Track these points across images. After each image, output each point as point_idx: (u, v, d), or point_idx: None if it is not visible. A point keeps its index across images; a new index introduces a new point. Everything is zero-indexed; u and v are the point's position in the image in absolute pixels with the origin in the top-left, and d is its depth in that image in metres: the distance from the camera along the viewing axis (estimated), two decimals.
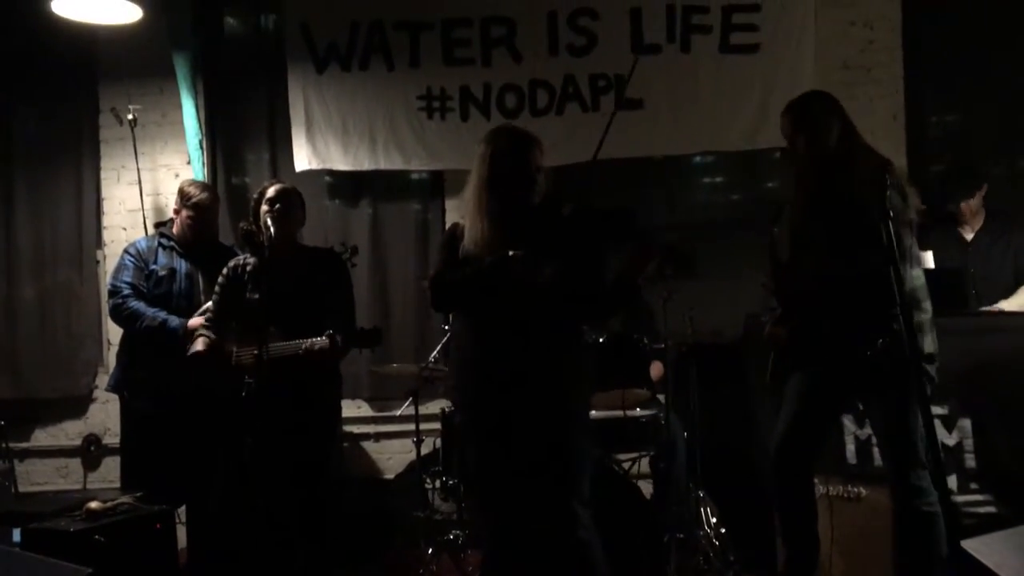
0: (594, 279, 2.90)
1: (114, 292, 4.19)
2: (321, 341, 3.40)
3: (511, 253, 2.80)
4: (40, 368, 5.44)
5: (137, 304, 4.12)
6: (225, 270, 3.78)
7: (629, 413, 3.98)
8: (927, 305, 3.13)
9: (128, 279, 4.18)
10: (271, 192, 3.69)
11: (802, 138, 3.24)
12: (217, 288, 3.79)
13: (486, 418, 2.95)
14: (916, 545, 3.09)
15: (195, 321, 4.00)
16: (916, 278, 3.14)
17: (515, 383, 2.87)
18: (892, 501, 3.21)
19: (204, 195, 4.26)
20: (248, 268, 3.72)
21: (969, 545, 2.37)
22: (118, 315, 4.19)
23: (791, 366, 3.31)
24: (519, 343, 2.88)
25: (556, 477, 2.85)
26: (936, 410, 3.62)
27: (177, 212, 4.25)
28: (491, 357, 2.92)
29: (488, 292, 2.87)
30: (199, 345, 3.68)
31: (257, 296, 3.59)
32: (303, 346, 3.44)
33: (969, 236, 4.50)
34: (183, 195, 4.23)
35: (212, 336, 3.69)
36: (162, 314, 4.09)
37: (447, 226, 5.26)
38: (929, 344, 3.10)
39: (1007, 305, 4.18)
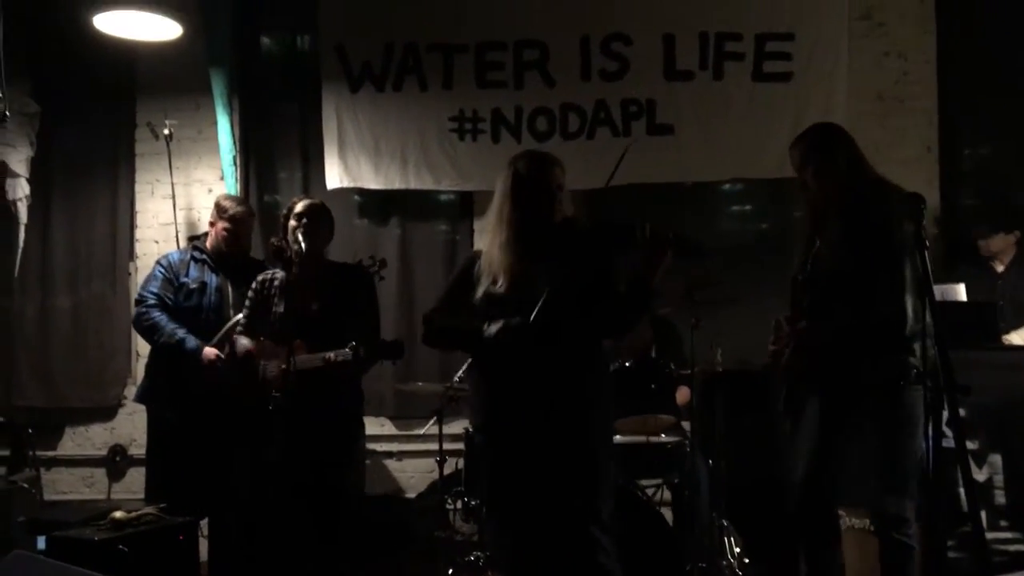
0: (609, 292, 2.90)
1: (140, 301, 4.25)
2: (344, 353, 3.42)
3: (508, 322, 2.81)
4: (71, 378, 5.51)
5: (159, 316, 4.15)
6: (254, 284, 3.82)
7: (654, 439, 3.96)
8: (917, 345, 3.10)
9: (155, 290, 4.22)
10: (300, 207, 3.73)
11: (809, 171, 3.24)
12: (247, 302, 3.83)
13: (506, 441, 2.94)
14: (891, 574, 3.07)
15: (211, 352, 4.03)
16: (919, 311, 3.10)
17: (535, 406, 2.86)
18: (875, 530, 3.19)
19: (241, 208, 4.31)
20: (276, 283, 3.75)
21: None
22: (139, 324, 4.24)
23: (806, 393, 3.28)
24: (539, 365, 2.87)
25: (577, 501, 2.84)
26: (967, 445, 3.57)
27: (212, 225, 4.29)
28: (510, 380, 2.92)
29: (476, 355, 2.93)
30: (246, 344, 3.71)
31: (283, 310, 3.62)
32: (326, 357, 3.46)
33: (1000, 269, 4.46)
34: (220, 208, 4.27)
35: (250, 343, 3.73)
36: (181, 332, 4.09)
37: (474, 247, 5.34)
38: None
39: (1015, 338, 4.13)
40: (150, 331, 4.18)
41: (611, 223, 2.97)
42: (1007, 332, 4.14)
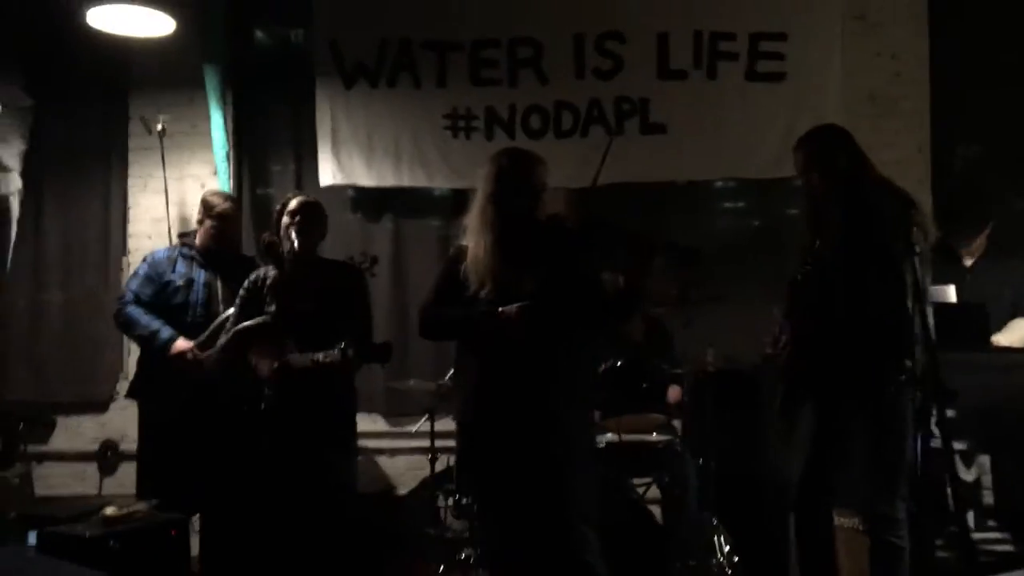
0: (595, 290, 2.90)
1: (119, 298, 4.28)
2: (333, 354, 3.43)
3: (501, 310, 2.81)
4: (63, 372, 5.50)
5: (133, 311, 4.16)
6: (246, 282, 3.81)
7: (645, 438, 3.98)
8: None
9: (134, 287, 4.24)
10: (293, 204, 3.72)
11: (816, 175, 3.24)
12: (238, 300, 3.82)
13: (490, 439, 2.95)
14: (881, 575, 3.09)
15: (183, 344, 4.04)
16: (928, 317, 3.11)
17: (519, 405, 2.87)
18: (866, 530, 3.21)
19: (227, 205, 4.30)
20: (268, 280, 3.74)
21: None
22: (117, 321, 4.28)
23: (804, 396, 3.30)
24: (523, 364, 2.88)
25: (562, 499, 2.85)
26: (955, 446, 3.59)
27: (200, 223, 4.29)
28: (495, 379, 2.93)
29: (475, 339, 2.91)
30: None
31: (275, 309, 3.62)
32: (315, 359, 3.47)
33: (969, 263, 4.47)
34: (206, 205, 4.27)
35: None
36: (156, 323, 4.12)
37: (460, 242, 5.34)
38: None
39: (1001, 339, 4.15)
40: (126, 327, 4.22)
41: (598, 224, 2.98)
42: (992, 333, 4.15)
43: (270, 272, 3.77)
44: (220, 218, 4.24)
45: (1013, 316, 4.30)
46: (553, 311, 2.83)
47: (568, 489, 2.85)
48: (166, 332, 4.09)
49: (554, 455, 2.87)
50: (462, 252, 3.03)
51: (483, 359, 2.99)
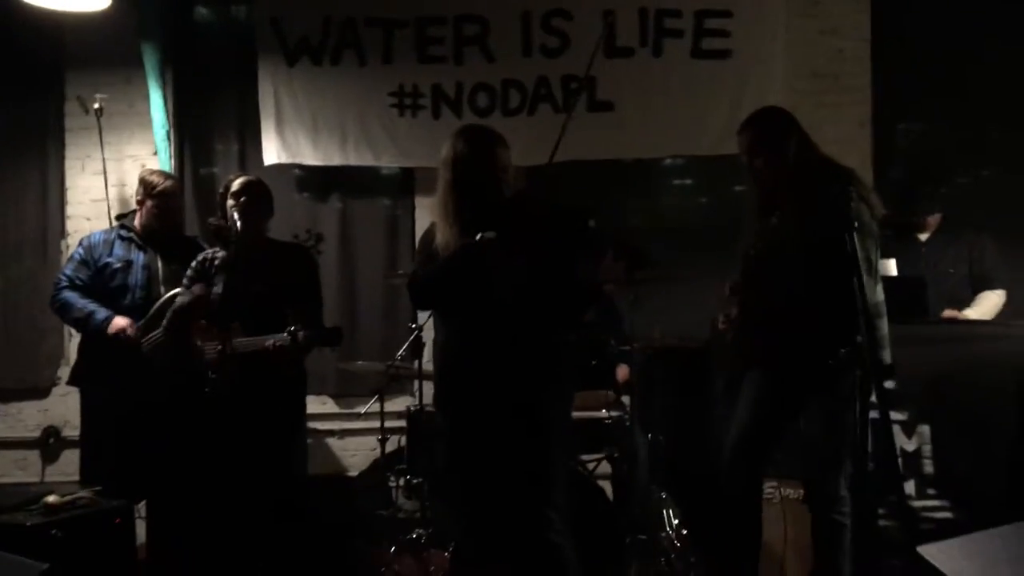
0: (563, 273, 2.88)
1: (55, 284, 4.21)
2: (282, 338, 3.39)
3: (480, 236, 2.78)
4: (2, 358, 5.37)
5: (68, 295, 4.11)
6: (194, 263, 3.76)
7: (594, 414, 4.00)
8: (884, 321, 3.16)
9: (68, 271, 4.18)
10: (236, 185, 3.67)
11: (760, 159, 3.27)
12: (185, 281, 3.76)
13: (463, 419, 2.94)
14: (824, 552, 3.16)
15: (122, 321, 3.97)
16: (878, 292, 3.17)
17: (492, 386, 2.87)
18: (808, 507, 3.27)
19: (169, 183, 4.24)
20: (217, 262, 3.69)
21: (926, 551, 2.40)
22: (52, 307, 4.22)
23: (747, 365, 3.33)
24: (496, 346, 2.87)
25: (529, 480, 2.85)
26: (895, 416, 3.68)
27: (141, 203, 4.21)
28: (469, 360, 2.92)
29: (462, 280, 2.86)
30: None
31: (222, 291, 3.56)
32: (264, 345, 3.42)
33: (924, 237, 4.56)
34: (147, 185, 4.19)
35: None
36: (92, 306, 4.06)
37: (416, 223, 5.31)
38: (887, 357, 3.15)
39: (971, 314, 4.25)
40: (62, 311, 4.17)
41: (563, 208, 2.96)
42: (938, 308, 4.23)
43: (219, 253, 3.71)
44: (162, 196, 4.16)
45: (973, 291, 4.39)
46: (521, 290, 2.81)
47: (535, 469, 2.85)
48: (101, 313, 4.04)
49: (522, 435, 2.86)
50: (434, 227, 2.99)
51: (451, 338, 2.97)
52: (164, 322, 3.71)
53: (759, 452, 3.29)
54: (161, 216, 4.17)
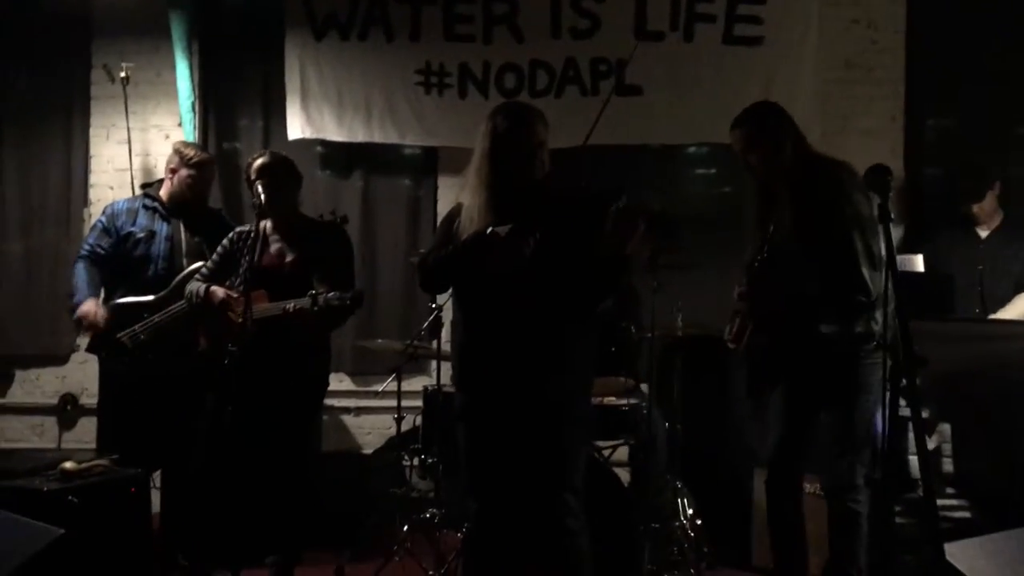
0: (585, 255, 2.86)
1: (78, 253, 4.22)
2: (303, 301, 3.40)
3: (491, 230, 2.77)
4: (23, 325, 5.41)
5: (78, 268, 4.13)
6: (231, 234, 3.79)
7: (611, 401, 3.98)
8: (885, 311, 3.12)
9: (91, 240, 4.19)
10: (257, 164, 3.70)
11: (755, 156, 3.24)
12: (219, 250, 3.79)
13: (482, 401, 2.93)
14: (838, 540, 3.14)
15: (88, 307, 4.01)
16: (881, 283, 3.12)
17: (511, 369, 2.85)
18: (825, 495, 3.26)
19: (205, 155, 4.27)
20: (251, 239, 3.70)
21: (948, 549, 2.37)
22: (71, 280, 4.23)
23: (772, 377, 3.32)
24: (514, 328, 2.85)
25: (548, 464, 2.83)
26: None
27: (174, 171, 4.18)
28: (487, 341, 2.90)
29: (470, 270, 2.85)
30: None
31: (253, 262, 3.56)
32: (285, 307, 3.43)
33: (984, 234, 4.50)
34: (182, 156, 4.17)
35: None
36: (84, 286, 4.08)
37: (438, 203, 5.29)
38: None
39: (1004, 314, 4.19)
40: (74, 291, 4.17)
41: (594, 189, 2.93)
42: (994, 304, 4.18)
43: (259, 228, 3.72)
44: (199, 167, 4.16)
45: (1016, 291, 4.33)
46: (544, 274, 2.79)
47: (554, 453, 2.83)
48: (80, 295, 4.06)
49: (541, 418, 2.84)
50: (459, 209, 2.98)
51: (471, 319, 2.95)
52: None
53: (799, 462, 3.29)
54: (195, 186, 4.16)
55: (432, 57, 5.13)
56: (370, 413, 5.30)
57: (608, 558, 3.58)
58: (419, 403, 4.39)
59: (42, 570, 2.51)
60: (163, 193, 4.21)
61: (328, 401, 5.13)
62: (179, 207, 4.17)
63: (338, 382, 5.29)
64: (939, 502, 3.66)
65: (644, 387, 4.29)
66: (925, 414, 3.72)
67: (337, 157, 5.35)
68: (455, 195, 3.14)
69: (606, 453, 4.21)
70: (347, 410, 5.33)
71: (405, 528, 4.06)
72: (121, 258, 4.11)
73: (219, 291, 3.68)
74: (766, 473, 3.35)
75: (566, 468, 2.85)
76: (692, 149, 5.29)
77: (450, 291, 3.24)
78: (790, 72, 4.90)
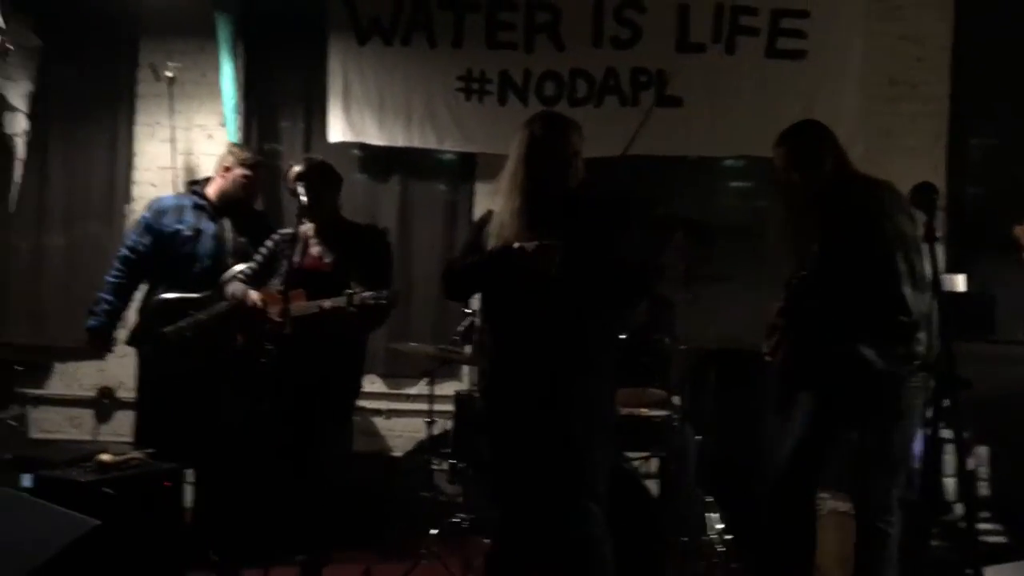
0: (615, 263, 2.86)
1: (118, 253, 4.30)
2: (339, 300, 3.43)
3: (517, 245, 2.78)
4: (63, 318, 5.45)
5: (111, 277, 4.22)
6: (274, 236, 3.84)
7: (644, 413, 3.97)
8: (928, 333, 3.08)
9: (133, 238, 4.25)
10: (295, 171, 3.78)
11: (797, 173, 3.22)
12: (262, 250, 3.84)
13: (506, 407, 2.94)
14: (863, 559, 3.09)
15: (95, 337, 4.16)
16: (924, 303, 3.08)
17: (536, 372, 2.85)
18: (855, 514, 3.21)
19: (259, 157, 4.39)
20: (293, 239, 3.74)
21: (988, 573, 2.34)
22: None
23: (798, 387, 3.29)
24: (539, 334, 2.85)
25: (572, 473, 2.83)
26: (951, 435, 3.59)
27: (228, 170, 4.22)
28: (512, 348, 2.91)
29: (492, 281, 2.86)
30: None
31: (295, 263, 3.60)
32: (321, 305, 3.47)
33: None
34: (237, 156, 4.24)
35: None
36: (103, 303, 4.19)
37: (475, 209, 5.30)
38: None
39: None
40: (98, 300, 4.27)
41: (626, 196, 2.94)
42: None
43: (298, 231, 3.77)
44: (253, 168, 4.24)
45: None
46: (572, 281, 2.79)
47: (578, 462, 2.83)
48: (94, 321, 4.19)
49: (565, 426, 2.84)
50: (488, 216, 3.00)
51: (497, 325, 2.96)
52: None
53: (812, 466, 3.25)
54: (248, 187, 4.23)
55: (474, 64, 5.15)
56: (401, 416, 5.32)
57: (634, 569, 3.56)
58: (450, 407, 4.40)
59: (76, 560, 2.53)
60: (211, 191, 4.25)
61: (359, 402, 5.18)
62: (226, 206, 4.22)
63: (370, 384, 5.30)
64: (975, 526, 3.61)
65: (676, 399, 4.27)
66: (964, 435, 3.66)
67: (375, 161, 5.39)
68: (491, 201, 3.16)
69: (636, 464, 4.20)
70: (378, 412, 5.35)
71: (433, 532, 4.07)
72: (166, 256, 4.15)
73: (253, 294, 3.72)
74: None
75: (589, 476, 2.84)
76: (729, 161, 5.26)
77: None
78: (833, 87, 4.87)
